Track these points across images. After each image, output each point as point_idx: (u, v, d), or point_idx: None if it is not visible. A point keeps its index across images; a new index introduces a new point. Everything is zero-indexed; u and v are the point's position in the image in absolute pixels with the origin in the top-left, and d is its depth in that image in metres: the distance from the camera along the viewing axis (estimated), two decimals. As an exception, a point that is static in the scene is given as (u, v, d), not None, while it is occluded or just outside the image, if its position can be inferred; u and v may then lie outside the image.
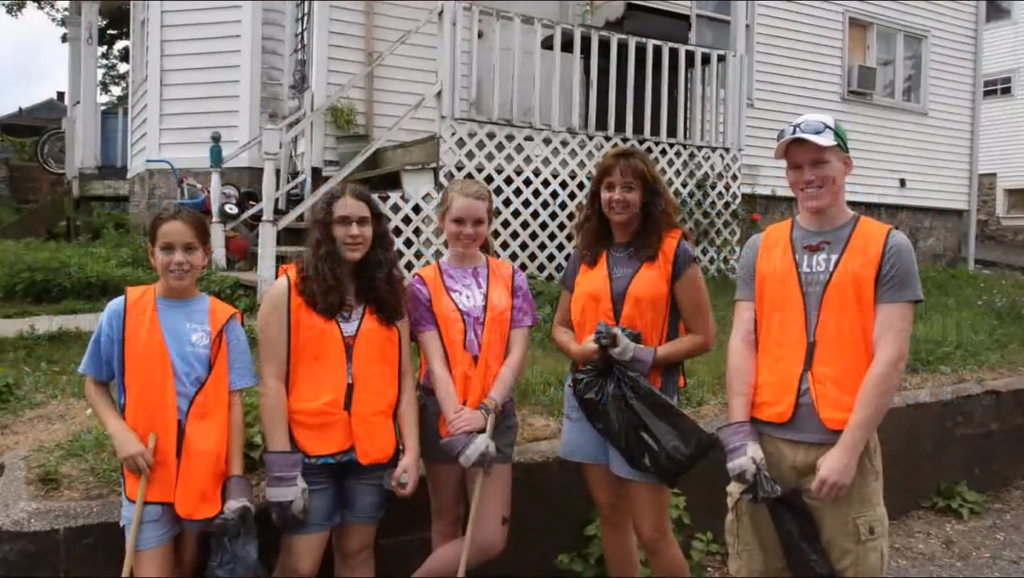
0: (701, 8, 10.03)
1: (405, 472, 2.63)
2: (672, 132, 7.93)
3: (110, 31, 22.97)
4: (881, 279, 2.35)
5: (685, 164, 7.95)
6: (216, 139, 7.42)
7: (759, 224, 8.39)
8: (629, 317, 2.72)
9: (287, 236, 6.64)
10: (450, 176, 6.54)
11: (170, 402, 2.43)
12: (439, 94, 6.64)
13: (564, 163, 7.25)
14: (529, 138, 7.11)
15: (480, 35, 7.27)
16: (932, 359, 5.29)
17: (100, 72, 25.04)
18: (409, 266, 6.20)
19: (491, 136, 6.89)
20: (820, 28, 11.20)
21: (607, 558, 3.04)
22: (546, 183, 7.12)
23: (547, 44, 7.35)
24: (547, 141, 7.20)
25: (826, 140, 2.39)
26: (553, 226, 7.13)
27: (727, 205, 8.22)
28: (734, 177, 8.32)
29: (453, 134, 6.68)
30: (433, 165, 6.59)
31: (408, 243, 6.37)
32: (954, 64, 12.72)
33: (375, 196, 2.83)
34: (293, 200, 7.97)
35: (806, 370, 2.41)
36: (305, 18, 8.68)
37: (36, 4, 22.47)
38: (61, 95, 27.24)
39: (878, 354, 2.33)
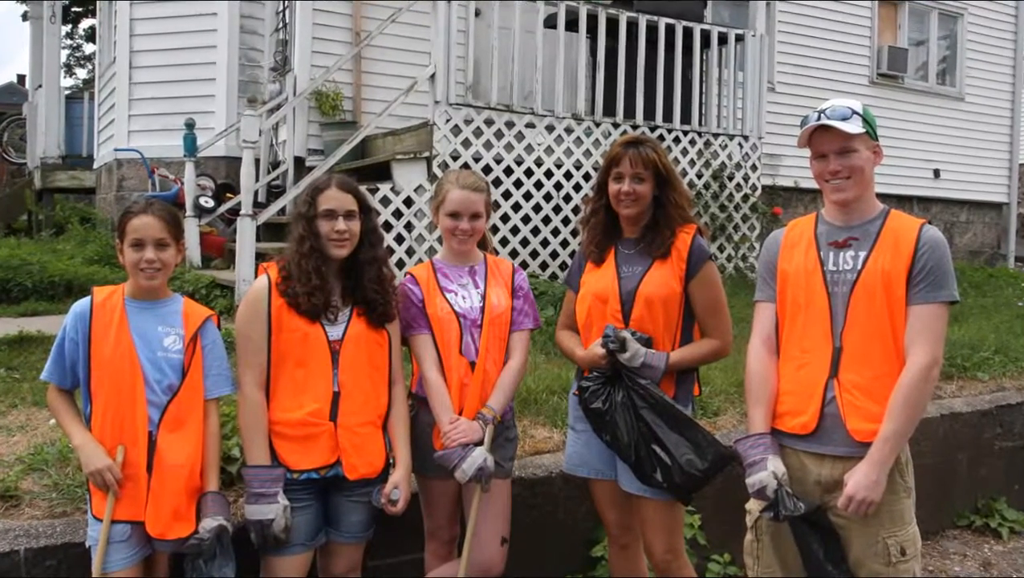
0: (718, -16, 10.06)
1: (396, 488, 2.63)
2: (686, 119, 7.93)
3: (75, 9, 23.01)
4: (913, 278, 2.35)
5: (700, 153, 7.96)
6: (190, 126, 7.42)
7: (780, 218, 8.40)
8: (639, 319, 2.72)
9: (267, 232, 6.65)
10: (444, 166, 6.55)
11: (140, 412, 2.43)
12: (433, 77, 6.64)
13: (568, 152, 7.25)
14: (530, 125, 7.11)
15: (477, 13, 7.29)
16: (969, 365, 5.29)
17: (64, 53, 25.15)
18: (400, 264, 6.21)
19: (489, 123, 6.89)
20: (847, 6, 11.20)
21: (615, 581, 3.04)
22: (549, 174, 7.12)
23: (550, 23, 7.35)
24: (550, 128, 7.20)
25: (853, 127, 2.39)
26: (556, 221, 7.13)
27: (746, 198, 8.23)
28: (753, 167, 8.32)
29: (448, 120, 6.68)
30: (426, 154, 6.59)
31: (399, 239, 6.38)
32: (993, 45, 12.71)
33: (363, 188, 2.83)
34: (274, 192, 7.98)
35: (832, 377, 2.41)
36: (287, -5, 8.68)
37: (-6, -21, 22.51)
38: (22, 78, 27.27)
39: (910, 360, 2.33)
